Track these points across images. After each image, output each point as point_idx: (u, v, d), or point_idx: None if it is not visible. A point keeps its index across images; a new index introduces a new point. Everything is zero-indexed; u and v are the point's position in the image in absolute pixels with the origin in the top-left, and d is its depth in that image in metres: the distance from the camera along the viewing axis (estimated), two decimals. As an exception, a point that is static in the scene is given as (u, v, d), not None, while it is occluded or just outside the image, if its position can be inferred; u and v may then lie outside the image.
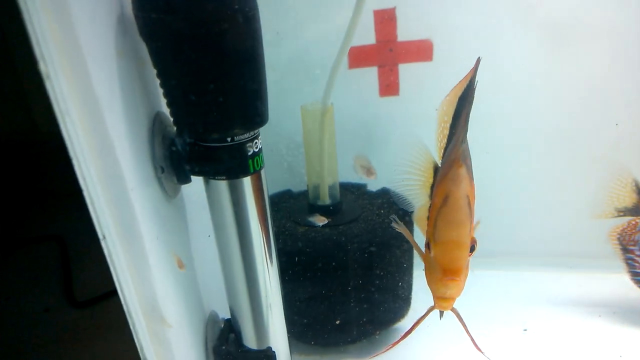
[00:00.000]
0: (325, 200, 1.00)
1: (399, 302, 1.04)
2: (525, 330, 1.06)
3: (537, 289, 1.17)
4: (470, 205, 0.61)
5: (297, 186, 1.13)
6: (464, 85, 0.71)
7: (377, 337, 1.03)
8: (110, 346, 1.13)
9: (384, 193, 1.10)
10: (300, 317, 0.98)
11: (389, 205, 1.05)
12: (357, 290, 0.92)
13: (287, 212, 1.03)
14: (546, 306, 1.11)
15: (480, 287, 1.09)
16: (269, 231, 0.71)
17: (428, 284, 0.67)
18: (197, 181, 0.67)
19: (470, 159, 0.69)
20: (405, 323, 1.05)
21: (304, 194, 1.13)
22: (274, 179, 1.06)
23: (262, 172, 0.67)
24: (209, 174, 0.64)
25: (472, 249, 0.63)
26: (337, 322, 0.98)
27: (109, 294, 1.27)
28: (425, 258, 0.66)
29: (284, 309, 0.78)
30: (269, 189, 0.70)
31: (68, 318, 1.23)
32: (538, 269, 1.22)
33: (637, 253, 0.98)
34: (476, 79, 0.70)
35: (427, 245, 0.65)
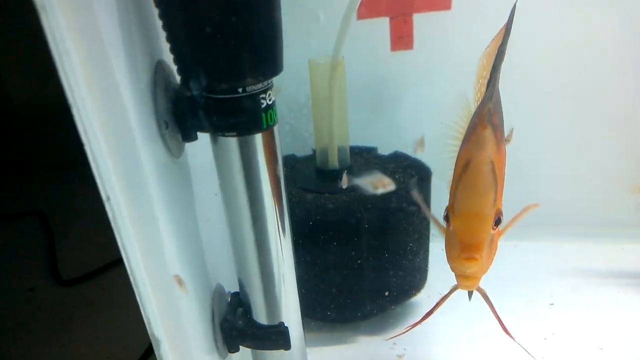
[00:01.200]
0: (335, 164, 1.00)
1: (415, 275, 1.04)
2: (551, 304, 1.06)
3: (563, 260, 1.17)
4: (495, 172, 0.60)
5: (300, 150, 1.15)
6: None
7: (391, 311, 1.04)
8: (105, 324, 1.12)
9: (397, 157, 1.10)
10: (309, 291, 0.98)
11: (403, 169, 1.05)
12: (370, 261, 0.93)
13: (293, 177, 1.03)
14: (573, 278, 1.11)
15: (502, 259, 1.08)
16: (281, 196, 0.70)
17: (447, 261, 0.66)
18: (202, 139, 0.65)
19: (502, 118, 0.69)
20: (421, 297, 1.06)
21: (309, 158, 1.12)
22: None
23: (276, 128, 0.65)
24: (217, 129, 0.62)
25: (498, 222, 0.62)
26: (350, 294, 0.98)
27: (100, 270, 1.26)
28: (445, 232, 0.65)
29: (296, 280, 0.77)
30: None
31: (56, 297, 1.22)
32: (563, 238, 1.22)
33: None
34: (511, 28, 0.69)
35: (446, 218, 0.64)
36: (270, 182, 0.68)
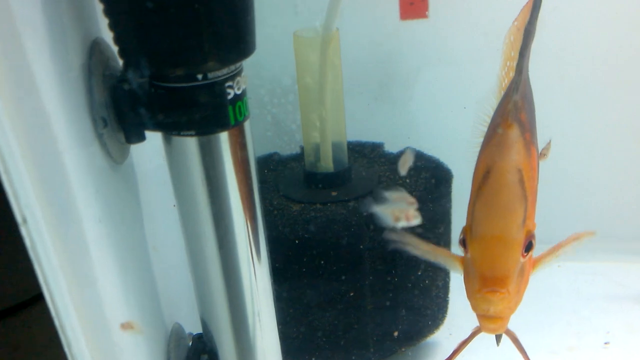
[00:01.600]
0: (329, 166, 1.00)
1: (432, 308, 1.04)
2: (606, 344, 1.06)
3: (621, 285, 1.16)
4: (523, 183, 0.60)
5: (286, 147, 1.17)
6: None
7: (401, 355, 1.04)
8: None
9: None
10: (295, 328, 0.96)
11: (417, 171, 1.04)
12: (375, 291, 0.93)
13: (275, 183, 1.03)
14: (634, 309, 1.10)
15: (542, 283, 1.07)
16: (255, 210, 0.69)
17: (467, 298, 0.66)
18: (153, 139, 0.64)
19: (533, 116, 0.69)
20: (439, 336, 1.05)
21: (296, 158, 1.13)
22: (255, 138, 1.06)
23: (247, 124, 0.65)
24: (171, 127, 0.61)
25: (529, 247, 0.62)
26: (347, 334, 0.97)
27: (25, 304, 1.24)
28: (463, 262, 0.66)
29: (276, 319, 0.77)
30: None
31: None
32: (621, 257, 1.21)
33: None
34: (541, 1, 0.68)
35: (463, 242, 0.64)
36: (241, 193, 0.67)
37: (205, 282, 0.70)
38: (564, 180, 1.14)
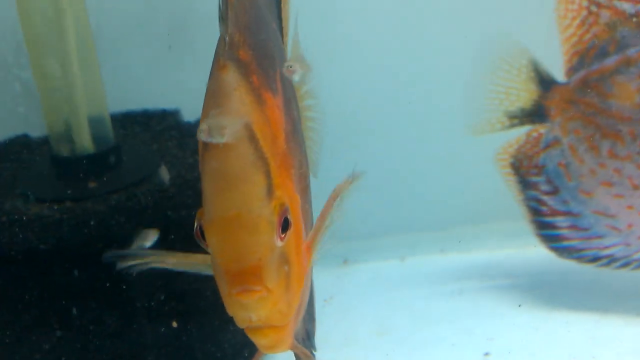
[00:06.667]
0: (86, 146, 0.87)
1: (228, 343, 0.91)
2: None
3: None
4: (257, 141, 0.54)
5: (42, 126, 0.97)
6: None
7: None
8: None
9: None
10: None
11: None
12: (138, 322, 0.83)
13: (14, 177, 0.90)
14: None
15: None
16: None
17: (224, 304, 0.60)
18: None
19: (272, 48, 0.64)
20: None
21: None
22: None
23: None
24: None
25: (286, 227, 0.55)
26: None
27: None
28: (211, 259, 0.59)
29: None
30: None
31: None
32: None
33: (543, 187, 0.92)
34: None
35: (200, 231, 0.56)
36: None
37: None
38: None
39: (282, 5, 0.71)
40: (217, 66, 0.55)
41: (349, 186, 0.62)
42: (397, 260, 1.17)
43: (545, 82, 0.89)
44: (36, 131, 1.00)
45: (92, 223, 0.79)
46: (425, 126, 1.03)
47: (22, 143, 0.99)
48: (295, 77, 0.65)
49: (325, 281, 0.87)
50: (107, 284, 0.80)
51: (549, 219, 0.93)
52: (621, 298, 0.98)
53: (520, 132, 0.92)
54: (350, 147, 1.05)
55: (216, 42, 0.64)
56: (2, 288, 0.78)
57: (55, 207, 0.80)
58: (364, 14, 1.10)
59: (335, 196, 0.61)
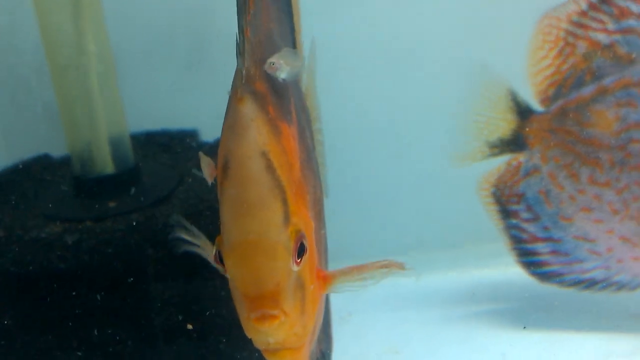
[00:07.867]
0: (107, 167, 0.88)
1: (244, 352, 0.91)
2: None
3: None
4: (274, 170, 0.55)
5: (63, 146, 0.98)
6: None
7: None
8: None
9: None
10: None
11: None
12: (162, 337, 0.83)
13: (34, 197, 0.91)
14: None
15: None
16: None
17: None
18: None
19: (284, 82, 0.63)
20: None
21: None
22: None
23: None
24: None
25: (302, 252, 0.56)
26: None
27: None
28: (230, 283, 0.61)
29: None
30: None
31: None
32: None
33: (523, 215, 0.94)
34: None
35: (219, 257, 0.58)
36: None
37: None
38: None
39: (295, 35, 0.73)
40: (234, 99, 0.56)
41: (397, 269, 0.62)
42: (412, 279, 1.12)
43: (523, 111, 0.90)
44: (58, 151, 0.99)
45: (111, 242, 0.79)
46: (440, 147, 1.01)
47: (43, 163, 0.99)
48: (281, 74, 0.63)
49: (344, 296, 0.89)
50: (127, 304, 0.81)
51: (530, 245, 0.93)
52: (635, 316, 0.98)
53: (501, 161, 0.92)
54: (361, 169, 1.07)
55: (234, 62, 0.67)
56: (22, 308, 0.79)
57: (76, 227, 0.81)
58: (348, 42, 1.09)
59: (384, 266, 0.62)
